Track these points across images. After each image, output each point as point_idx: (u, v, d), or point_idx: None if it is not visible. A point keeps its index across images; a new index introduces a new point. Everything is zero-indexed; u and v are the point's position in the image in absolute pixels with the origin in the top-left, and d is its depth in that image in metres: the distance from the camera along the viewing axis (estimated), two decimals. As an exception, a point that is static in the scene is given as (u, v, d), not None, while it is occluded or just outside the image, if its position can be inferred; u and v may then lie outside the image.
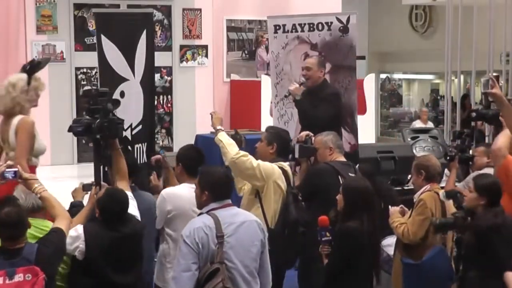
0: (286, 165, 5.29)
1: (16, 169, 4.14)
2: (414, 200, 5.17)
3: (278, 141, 5.34)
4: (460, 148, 6.33)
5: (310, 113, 6.59)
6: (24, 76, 5.67)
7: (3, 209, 3.78)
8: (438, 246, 4.97)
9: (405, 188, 7.12)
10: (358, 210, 4.50)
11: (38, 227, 4.12)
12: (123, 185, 4.70)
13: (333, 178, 5.19)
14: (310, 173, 5.43)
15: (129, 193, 4.64)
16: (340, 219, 4.58)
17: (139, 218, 4.53)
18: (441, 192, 5.01)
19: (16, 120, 5.61)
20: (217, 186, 4.13)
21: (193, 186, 4.90)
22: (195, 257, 3.91)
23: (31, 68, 5.72)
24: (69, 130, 4.84)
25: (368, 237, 4.46)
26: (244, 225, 4.04)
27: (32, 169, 5.57)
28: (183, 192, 4.97)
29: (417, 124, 12.26)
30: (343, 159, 5.42)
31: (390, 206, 5.25)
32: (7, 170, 4.13)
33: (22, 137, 5.63)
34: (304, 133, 5.69)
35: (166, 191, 5.10)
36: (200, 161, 5.09)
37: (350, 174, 5.22)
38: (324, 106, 6.59)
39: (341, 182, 5.09)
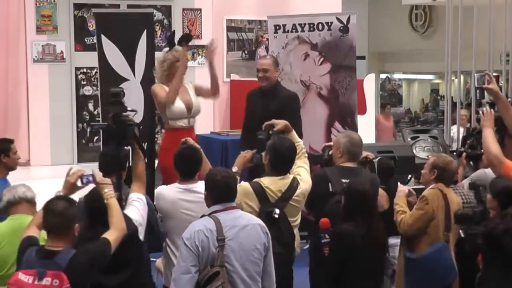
0: (267, 180, 4.91)
1: (92, 174, 4.24)
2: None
3: (270, 152, 5.01)
4: (470, 145, 6.33)
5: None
6: (166, 49, 6.50)
7: (56, 200, 3.89)
8: (441, 242, 4.95)
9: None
10: (355, 213, 4.50)
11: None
12: (136, 187, 4.69)
13: (321, 185, 5.05)
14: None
15: (141, 196, 4.62)
16: (340, 221, 4.58)
17: (139, 221, 4.46)
18: (466, 183, 4.99)
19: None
20: (216, 188, 4.13)
21: (184, 187, 4.93)
22: (195, 259, 3.91)
23: (179, 40, 6.56)
24: (91, 129, 5.09)
25: (363, 239, 4.45)
26: (246, 229, 4.03)
27: (174, 132, 6.37)
28: (167, 193, 4.96)
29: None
30: (351, 165, 5.16)
31: (399, 184, 5.22)
32: (84, 174, 4.22)
33: (157, 99, 6.52)
34: (326, 144, 5.61)
35: (157, 190, 5.11)
36: (193, 163, 5.04)
37: (344, 180, 4.97)
38: (293, 114, 6.53)
39: (330, 189, 5.02)
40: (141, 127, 4.98)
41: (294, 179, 4.95)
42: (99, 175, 4.29)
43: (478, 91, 5.50)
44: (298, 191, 4.91)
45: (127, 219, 4.35)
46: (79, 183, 4.23)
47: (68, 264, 3.70)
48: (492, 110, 5.39)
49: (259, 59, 7.01)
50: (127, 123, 4.72)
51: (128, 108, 4.89)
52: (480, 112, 5.26)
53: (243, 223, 4.06)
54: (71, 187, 4.24)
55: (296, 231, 5.03)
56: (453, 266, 4.97)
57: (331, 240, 4.57)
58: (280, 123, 5.34)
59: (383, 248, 4.78)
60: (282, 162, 4.97)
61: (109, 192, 4.18)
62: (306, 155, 5.27)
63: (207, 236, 3.93)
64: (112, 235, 3.99)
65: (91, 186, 4.31)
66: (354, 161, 5.20)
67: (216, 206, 4.08)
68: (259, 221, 4.20)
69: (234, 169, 5.08)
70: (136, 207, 4.51)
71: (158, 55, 6.61)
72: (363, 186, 4.65)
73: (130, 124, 4.75)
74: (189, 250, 3.91)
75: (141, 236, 4.46)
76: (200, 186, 4.96)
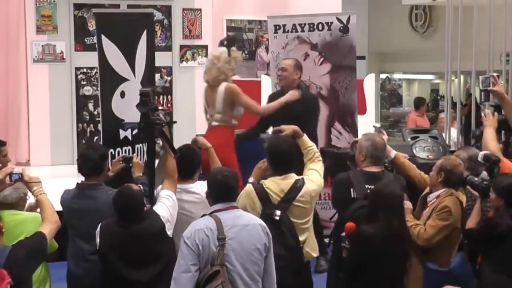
0: (269, 181, 4.90)
1: (20, 172, 4.46)
2: (428, 199, 5.07)
3: (268, 154, 5.00)
4: (475, 145, 6.32)
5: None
6: (224, 49, 6.64)
7: None
8: (461, 253, 4.84)
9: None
10: (376, 214, 4.41)
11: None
12: (167, 184, 4.85)
13: (344, 190, 5.00)
14: (333, 181, 5.30)
15: (170, 193, 4.75)
16: (364, 222, 4.51)
17: (167, 218, 4.59)
18: (480, 154, 4.93)
19: (222, 87, 6.57)
20: (216, 187, 4.16)
21: (181, 187, 4.94)
22: (195, 258, 3.92)
23: (229, 42, 6.84)
24: (123, 128, 5.28)
25: (383, 242, 4.34)
26: (247, 228, 4.03)
27: (232, 128, 6.65)
28: None
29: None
30: (375, 169, 5.06)
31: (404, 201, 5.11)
32: (14, 172, 4.45)
33: (242, 99, 6.66)
34: (354, 139, 5.55)
35: (157, 190, 5.15)
36: (191, 162, 5.06)
37: (367, 186, 4.89)
38: (311, 116, 6.66)
39: (352, 195, 4.96)
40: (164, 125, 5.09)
41: (298, 179, 4.90)
42: (27, 174, 4.48)
43: (483, 93, 5.43)
44: (302, 191, 4.85)
45: (155, 216, 4.43)
46: (7, 180, 4.44)
47: (6, 260, 3.75)
48: (495, 112, 5.37)
49: (282, 59, 7.09)
50: (155, 122, 4.86)
51: (160, 108, 5.06)
52: (482, 114, 5.25)
53: (244, 222, 4.06)
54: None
55: (309, 234, 4.95)
56: (473, 276, 4.79)
57: (351, 241, 4.51)
58: (288, 129, 5.29)
59: (405, 250, 4.54)
60: (280, 161, 4.94)
61: (38, 189, 4.40)
62: (321, 159, 5.20)
63: (208, 235, 3.94)
64: (46, 228, 4.15)
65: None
66: (377, 165, 5.09)
67: (217, 205, 4.10)
68: (260, 221, 4.20)
69: (251, 179, 5.04)
70: (165, 204, 4.66)
71: (217, 53, 6.80)
72: (389, 188, 4.54)
73: (158, 123, 4.90)
74: (189, 249, 3.93)
75: (169, 232, 4.59)
76: (196, 186, 5.00)
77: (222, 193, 4.14)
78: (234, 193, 4.20)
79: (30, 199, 4.99)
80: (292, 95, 6.68)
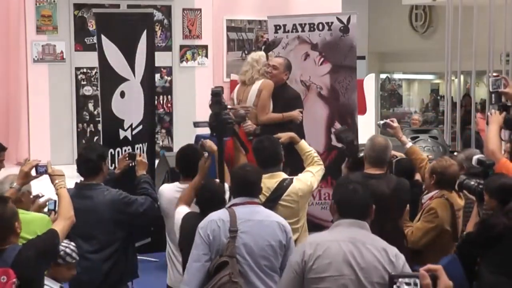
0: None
1: (46, 164, 4.36)
2: (422, 201, 5.06)
3: (255, 152, 5.00)
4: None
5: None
6: (263, 53, 7.00)
7: None
8: (450, 255, 4.75)
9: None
10: None
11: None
12: None
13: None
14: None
15: None
16: None
17: None
18: (474, 158, 4.90)
19: (258, 82, 6.70)
20: (235, 182, 4.24)
21: (183, 186, 4.94)
22: (206, 248, 3.97)
23: (267, 47, 7.18)
24: (194, 126, 5.41)
25: None
26: (262, 224, 4.04)
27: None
28: (166, 193, 5.02)
29: None
30: (376, 171, 4.94)
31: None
32: (40, 164, 4.36)
33: (265, 98, 6.65)
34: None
35: (159, 189, 5.19)
36: (192, 162, 5.07)
37: None
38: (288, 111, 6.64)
39: None
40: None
41: (286, 178, 4.85)
42: (52, 166, 4.39)
43: (493, 95, 5.37)
44: (288, 190, 4.79)
45: None
46: (33, 173, 4.36)
47: (14, 259, 3.68)
48: (502, 110, 5.35)
49: (274, 57, 7.08)
50: (227, 121, 4.90)
51: (228, 106, 5.10)
52: (488, 113, 5.24)
53: (260, 218, 4.07)
54: (24, 176, 4.38)
55: (301, 234, 4.89)
56: (465, 279, 4.82)
57: None
58: (284, 136, 5.29)
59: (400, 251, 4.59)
60: (264, 158, 4.89)
61: (59, 182, 4.29)
62: (321, 163, 5.17)
63: (219, 226, 3.98)
64: (59, 225, 4.04)
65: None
66: (377, 166, 4.96)
67: (236, 199, 4.15)
68: (280, 218, 4.15)
69: None
70: None
71: (256, 56, 6.93)
72: (379, 188, 4.50)
73: (230, 122, 4.94)
74: (201, 239, 3.99)
75: None
76: None
77: (241, 188, 4.17)
78: (254, 188, 4.19)
79: (42, 198, 4.99)
80: (296, 116, 6.68)
